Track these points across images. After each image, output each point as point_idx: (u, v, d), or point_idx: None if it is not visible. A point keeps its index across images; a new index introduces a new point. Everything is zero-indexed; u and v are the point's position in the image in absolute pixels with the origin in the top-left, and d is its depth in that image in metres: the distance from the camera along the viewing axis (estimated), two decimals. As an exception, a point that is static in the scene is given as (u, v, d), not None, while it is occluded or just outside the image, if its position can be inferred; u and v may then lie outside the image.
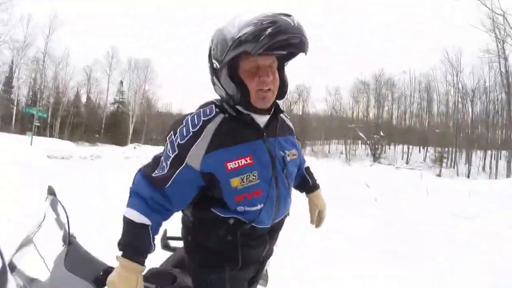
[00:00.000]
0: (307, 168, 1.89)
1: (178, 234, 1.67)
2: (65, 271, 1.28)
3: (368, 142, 44.70)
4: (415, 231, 5.91)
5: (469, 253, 4.74)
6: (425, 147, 43.53)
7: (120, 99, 49.68)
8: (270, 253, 1.57)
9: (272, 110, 1.39)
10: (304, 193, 1.87)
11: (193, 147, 1.26)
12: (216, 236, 1.38)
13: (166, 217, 1.35)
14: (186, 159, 1.26)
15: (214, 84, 1.38)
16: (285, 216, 1.53)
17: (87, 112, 47.16)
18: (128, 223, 1.28)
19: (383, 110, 50.41)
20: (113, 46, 48.29)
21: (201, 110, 1.34)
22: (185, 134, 1.28)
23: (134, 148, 34.57)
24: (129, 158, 22.54)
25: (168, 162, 1.29)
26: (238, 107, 1.33)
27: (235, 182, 1.29)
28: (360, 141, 48.71)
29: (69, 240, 1.39)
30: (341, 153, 49.75)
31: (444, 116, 45.82)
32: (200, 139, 1.26)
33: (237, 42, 1.18)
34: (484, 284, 3.65)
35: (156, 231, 1.33)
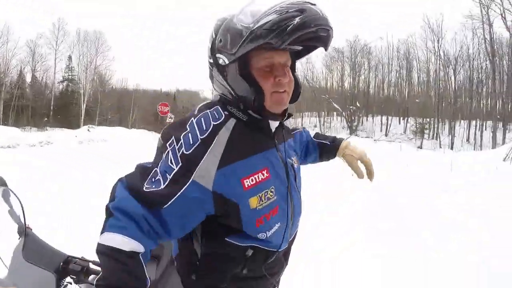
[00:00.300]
0: (317, 134, 1.84)
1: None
2: (24, 262, 1.27)
3: (343, 113, 44.87)
4: (396, 205, 6.12)
5: (455, 230, 4.89)
6: (405, 118, 44.35)
7: (70, 76, 48.04)
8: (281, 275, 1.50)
9: (286, 114, 1.31)
10: (334, 158, 1.80)
11: (203, 159, 1.11)
12: (230, 271, 1.27)
13: (155, 245, 1.13)
14: (194, 174, 1.09)
15: (214, 80, 1.30)
16: (297, 231, 1.46)
17: (33, 93, 45.41)
18: (111, 254, 1.03)
19: (359, 79, 50.79)
20: (60, 17, 46.28)
21: (207, 112, 1.22)
22: (191, 141, 1.12)
23: (88, 130, 33.72)
24: (83, 143, 22.16)
25: (169, 176, 1.09)
26: (249, 111, 1.23)
27: (254, 202, 1.17)
28: (335, 113, 49.15)
29: (25, 232, 1.38)
30: (315, 126, 49.87)
31: (425, 85, 46.43)
32: (211, 148, 1.12)
33: (256, 32, 1.07)
34: (471, 264, 3.79)
35: (147, 260, 1.09)
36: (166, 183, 1.08)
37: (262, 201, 1.18)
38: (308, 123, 53.14)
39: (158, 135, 1.23)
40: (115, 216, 1.06)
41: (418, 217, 5.54)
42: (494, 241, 4.45)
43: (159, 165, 1.13)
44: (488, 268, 3.69)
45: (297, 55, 1.34)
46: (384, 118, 45.72)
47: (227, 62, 1.18)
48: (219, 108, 1.24)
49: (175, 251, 1.40)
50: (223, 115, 1.21)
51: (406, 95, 47.96)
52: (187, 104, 59.61)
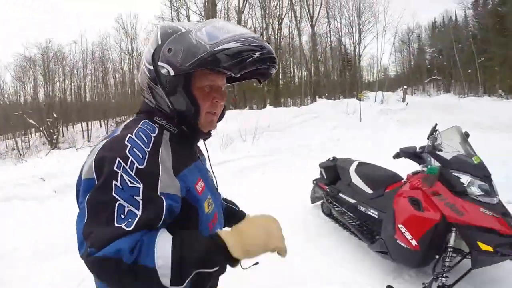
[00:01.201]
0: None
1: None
2: None
3: (41, 128, 41.04)
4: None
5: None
6: (105, 120, 43.46)
7: None
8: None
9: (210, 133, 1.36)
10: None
11: (160, 171, 1.06)
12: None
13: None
14: (159, 186, 1.03)
15: (148, 88, 1.26)
16: None
17: None
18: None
19: (53, 88, 46.92)
20: None
21: (140, 126, 1.16)
22: (140, 155, 1.04)
23: None
24: None
25: (139, 198, 0.98)
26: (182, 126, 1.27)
27: (206, 206, 1.20)
28: (34, 129, 44.63)
29: None
30: (13, 149, 43.27)
31: (121, 85, 47.32)
32: (160, 159, 1.08)
33: (215, 55, 1.10)
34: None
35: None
36: (141, 206, 0.98)
37: (209, 206, 1.22)
38: (5, 148, 46.21)
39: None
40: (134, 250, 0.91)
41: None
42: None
43: (117, 195, 0.97)
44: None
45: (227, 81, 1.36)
46: (84, 124, 43.64)
47: (172, 73, 1.16)
48: (148, 121, 1.21)
49: None
50: (155, 128, 1.19)
51: (105, 97, 47.66)
52: None
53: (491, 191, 3.13)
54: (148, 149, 1.07)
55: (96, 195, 0.98)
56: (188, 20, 30.71)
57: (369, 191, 4.13)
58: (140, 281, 0.88)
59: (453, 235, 3.07)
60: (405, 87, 34.74)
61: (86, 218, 0.95)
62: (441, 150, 3.51)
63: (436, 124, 3.81)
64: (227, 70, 1.12)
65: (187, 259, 0.92)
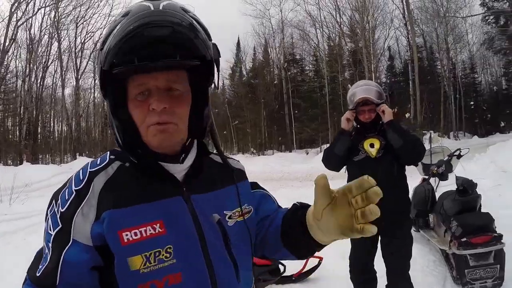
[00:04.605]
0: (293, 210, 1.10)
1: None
2: None
3: None
4: None
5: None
6: None
7: None
8: None
9: (194, 154, 1.02)
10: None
11: (77, 213, 0.88)
12: None
13: None
14: (72, 232, 0.87)
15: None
16: None
17: None
18: None
19: None
20: None
21: (93, 160, 0.99)
22: (67, 197, 0.90)
23: None
24: None
25: (50, 245, 0.88)
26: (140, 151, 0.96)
27: (136, 262, 0.87)
28: None
29: None
30: None
31: None
32: (86, 199, 0.89)
33: (106, 58, 0.84)
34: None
35: None
36: (50, 253, 0.88)
37: (150, 263, 0.89)
38: None
39: None
40: None
41: None
42: None
43: (45, 239, 0.92)
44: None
45: (204, 78, 0.98)
46: None
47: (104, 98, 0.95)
48: (108, 154, 1.00)
49: None
50: (108, 159, 0.97)
51: None
52: None
53: None
54: (77, 188, 0.90)
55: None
56: None
57: None
58: None
59: None
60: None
61: None
62: None
63: None
64: (121, 70, 0.83)
65: None
